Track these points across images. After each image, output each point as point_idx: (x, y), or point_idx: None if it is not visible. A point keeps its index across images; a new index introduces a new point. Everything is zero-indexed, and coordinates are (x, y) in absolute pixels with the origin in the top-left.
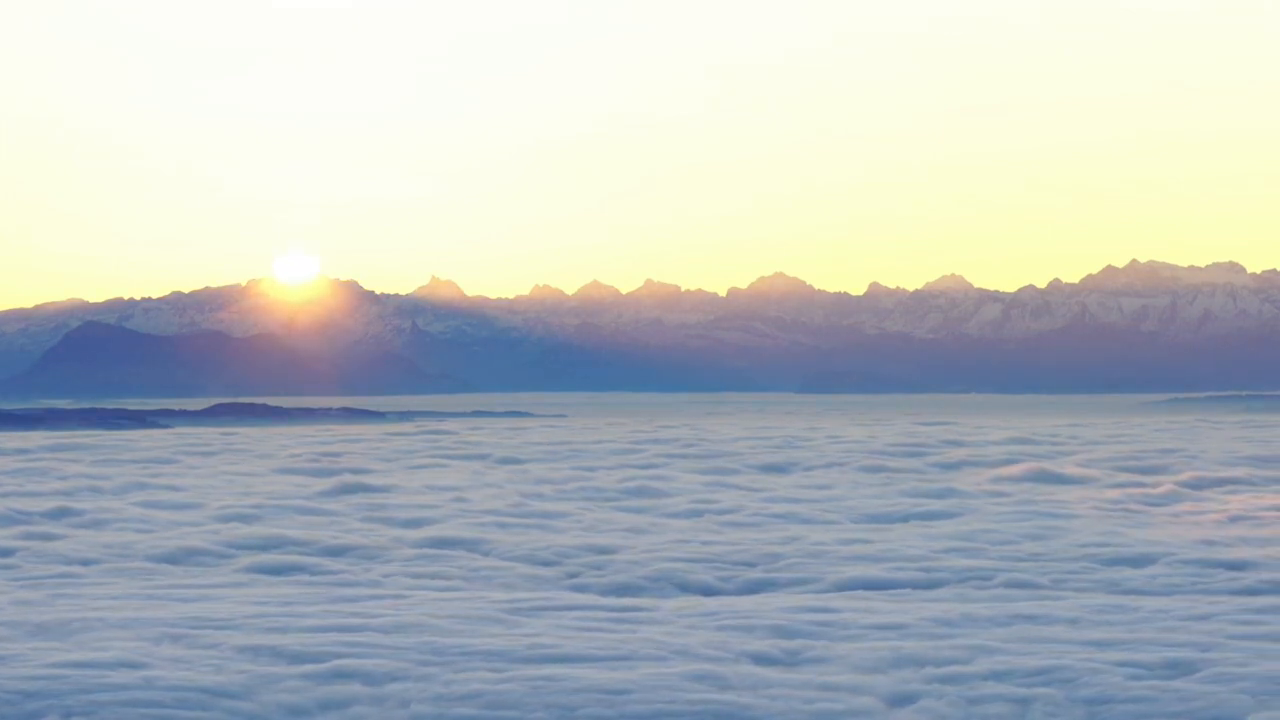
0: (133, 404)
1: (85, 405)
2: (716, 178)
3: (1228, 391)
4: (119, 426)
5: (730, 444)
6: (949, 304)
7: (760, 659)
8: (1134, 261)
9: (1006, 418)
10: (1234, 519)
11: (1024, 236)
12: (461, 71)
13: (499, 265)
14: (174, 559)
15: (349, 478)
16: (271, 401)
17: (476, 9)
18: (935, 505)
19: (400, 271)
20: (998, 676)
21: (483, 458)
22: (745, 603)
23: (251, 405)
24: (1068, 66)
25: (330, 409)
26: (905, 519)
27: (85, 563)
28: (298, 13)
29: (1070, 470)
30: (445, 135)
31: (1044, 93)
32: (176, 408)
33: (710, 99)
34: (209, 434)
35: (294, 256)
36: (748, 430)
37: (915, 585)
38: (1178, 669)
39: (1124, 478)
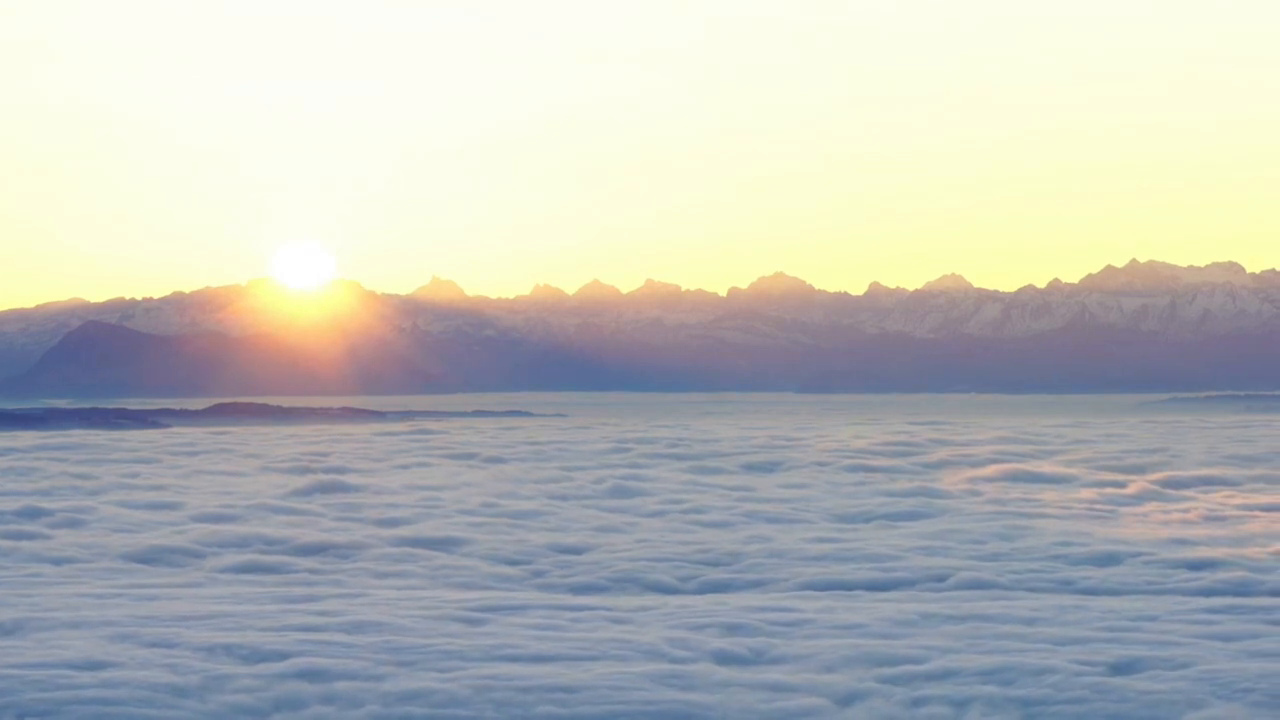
0: (133, 404)
1: (85, 405)
2: (717, 177)
3: (1227, 391)
4: (119, 426)
5: (719, 444)
6: (949, 304)
7: (716, 658)
8: (1134, 261)
9: (1003, 418)
10: (1206, 519)
11: (1024, 236)
12: (462, 71)
13: (499, 265)
14: (146, 558)
15: (329, 477)
16: (272, 401)
17: (477, 8)
18: (910, 505)
19: (400, 271)
20: (945, 677)
21: (469, 457)
22: (705, 602)
23: (251, 405)
24: (1067, 67)
25: (330, 409)
26: (878, 519)
27: (57, 562)
28: (297, 13)
29: (1050, 470)
30: (446, 135)
31: (1044, 93)
32: (176, 407)
33: (711, 99)
34: (201, 434)
35: (294, 257)
36: (740, 430)
37: (877, 585)
38: (1122, 669)
39: (1103, 477)
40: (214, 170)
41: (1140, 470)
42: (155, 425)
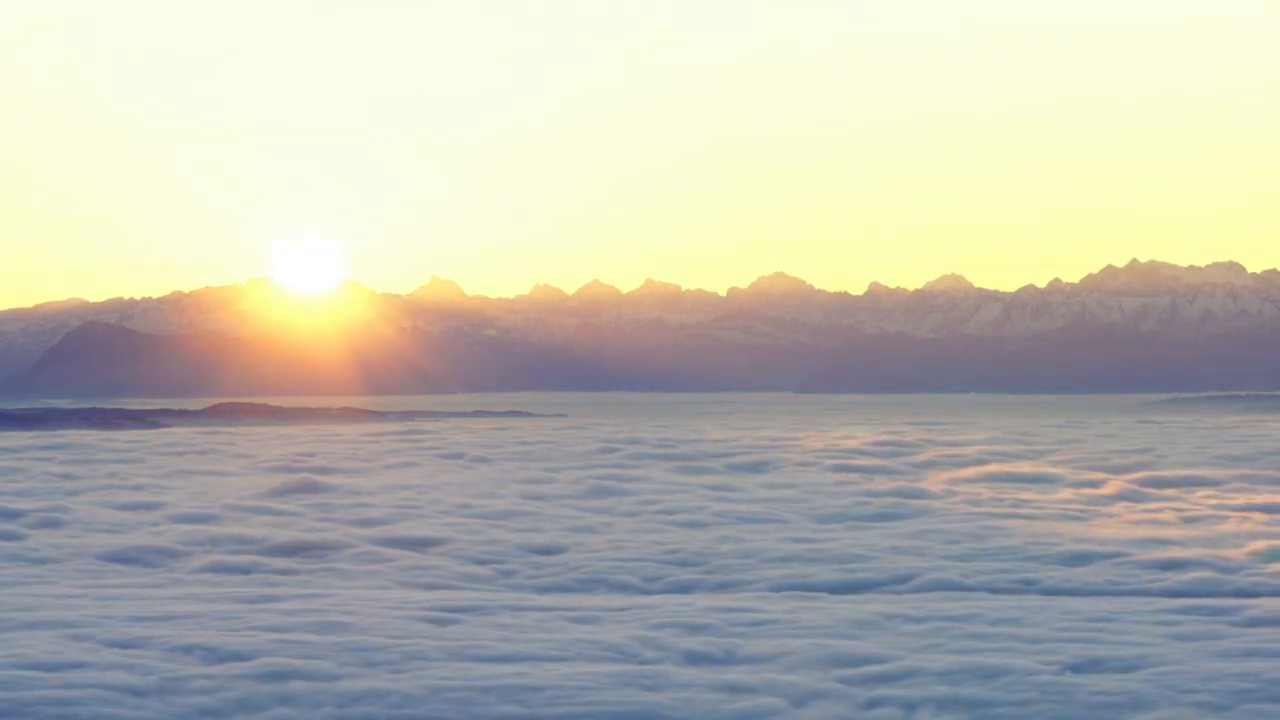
0: (133, 404)
1: (85, 405)
2: (716, 178)
3: (1229, 391)
4: (118, 426)
5: (708, 444)
6: (949, 304)
7: (678, 659)
8: (1134, 261)
9: (1000, 418)
10: (1183, 519)
11: (1024, 236)
12: (461, 70)
13: (499, 265)
14: (120, 559)
15: (311, 477)
16: (272, 401)
17: (478, 7)
18: (889, 506)
19: (400, 271)
20: (903, 677)
21: (457, 457)
22: (671, 603)
23: (250, 405)
24: (1067, 66)
25: (330, 409)
26: (855, 520)
27: (29, 562)
28: (297, 13)
29: (1035, 470)
30: (445, 135)
31: (1045, 93)
32: (175, 408)
33: (711, 99)
34: (192, 434)
35: (294, 257)
36: (733, 430)
37: (845, 586)
38: (1075, 670)
39: (1087, 477)
40: (213, 170)
41: (1124, 470)
42: (153, 425)
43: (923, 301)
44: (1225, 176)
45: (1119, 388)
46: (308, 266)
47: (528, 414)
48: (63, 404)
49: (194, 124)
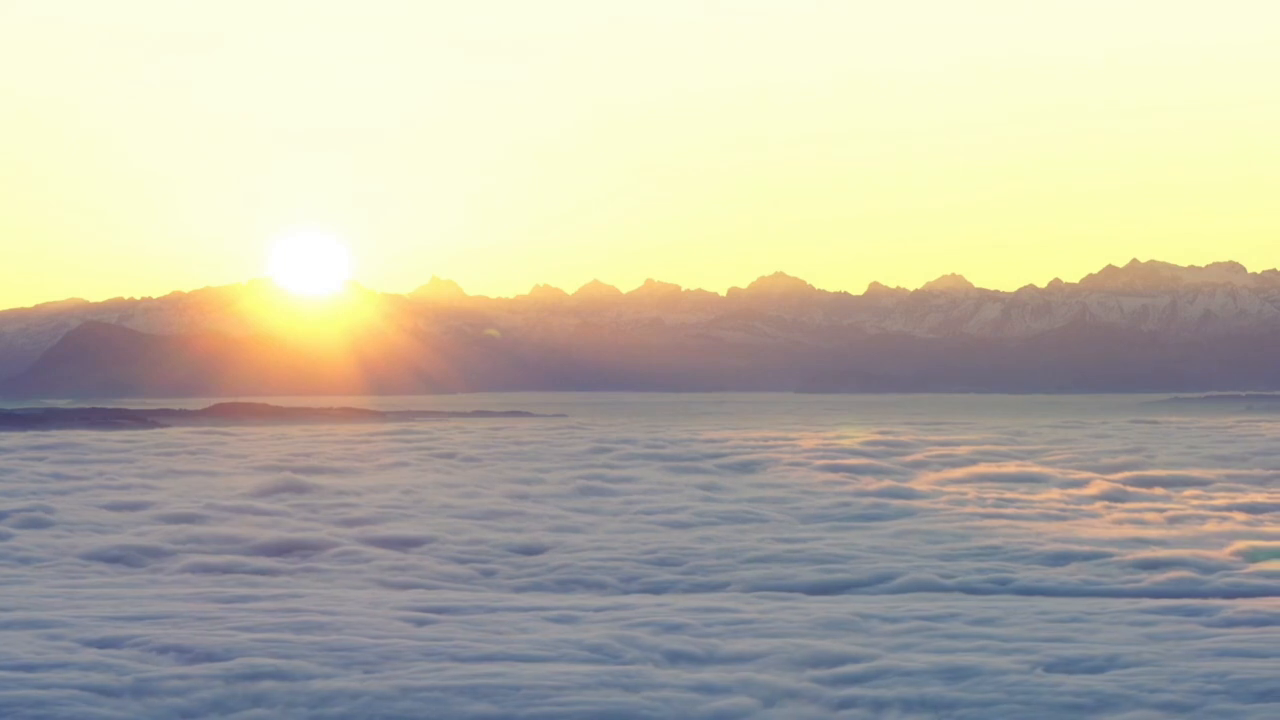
0: (133, 404)
1: (85, 405)
2: (717, 177)
3: (1229, 391)
4: (119, 426)
5: (703, 444)
6: (949, 304)
7: (654, 659)
8: (1134, 261)
9: (998, 418)
10: (1167, 519)
11: (1024, 236)
12: (462, 71)
13: (499, 265)
14: (104, 558)
15: (297, 477)
16: (272, 401)
17: (477, 10)
18: (876, 506)
19: (400, 271)
20: (875, 678)
21: (449, 457)
22: (648, 602)
23: (250, 405)
24: (1069, 67)
25: (330, 409)
26: (840, 519)
27: (13, 562)
28: (296, 14)
29: (1024, 470)
30: (445, 135)
31: (1044, 93)
32: (176, 408)
33: (711, 98)
34: (188, 434)
35: (294, 257)
36: (728, 430)
37: (824, 586)
38: (1045, 670)
39: (1075, 476)
40: (213, 170)
41: (1112, 470)
42: (153, 425)
43: (923, 301)
44: (1225, 176)
45: (1119, 388)
46: (308, 266)
47: (528, 414)
48: (62, 404)
49: (195, 124)
